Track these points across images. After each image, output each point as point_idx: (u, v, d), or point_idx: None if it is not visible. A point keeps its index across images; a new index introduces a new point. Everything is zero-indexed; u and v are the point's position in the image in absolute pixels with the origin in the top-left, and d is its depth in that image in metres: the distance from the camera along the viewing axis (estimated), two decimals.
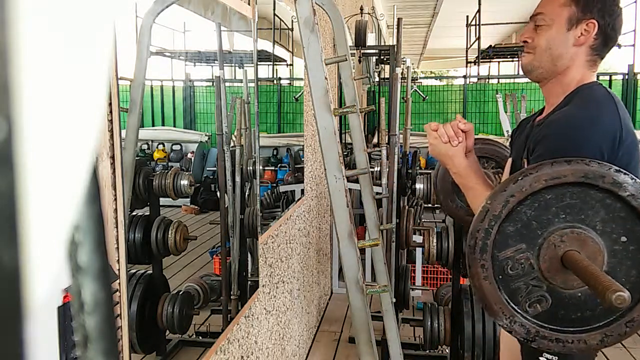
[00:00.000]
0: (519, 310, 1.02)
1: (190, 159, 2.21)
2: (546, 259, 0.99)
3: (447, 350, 2.94)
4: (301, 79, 3.32)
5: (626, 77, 8.06)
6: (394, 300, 2.83)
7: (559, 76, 1.21)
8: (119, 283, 1.03)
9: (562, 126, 1.11)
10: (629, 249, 0.99)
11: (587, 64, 1.20)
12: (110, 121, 1.00)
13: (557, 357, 1.14)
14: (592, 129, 1.09)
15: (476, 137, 1.36)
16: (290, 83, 3.90)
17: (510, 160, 1.37)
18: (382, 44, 9.32)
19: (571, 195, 0.98)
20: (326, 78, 1.28)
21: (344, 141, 4.95)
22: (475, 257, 1.01)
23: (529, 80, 1.33)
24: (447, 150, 1.27)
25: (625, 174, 0.96)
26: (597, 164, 0.97)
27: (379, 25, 8.64)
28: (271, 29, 3.21)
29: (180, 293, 1.50)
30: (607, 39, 1.19)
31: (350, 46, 4.08)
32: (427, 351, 3.04)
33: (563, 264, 0.98)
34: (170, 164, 1.99)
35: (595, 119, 1.10)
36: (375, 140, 5.48)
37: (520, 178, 0.99)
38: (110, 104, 1.00)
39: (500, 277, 1.02)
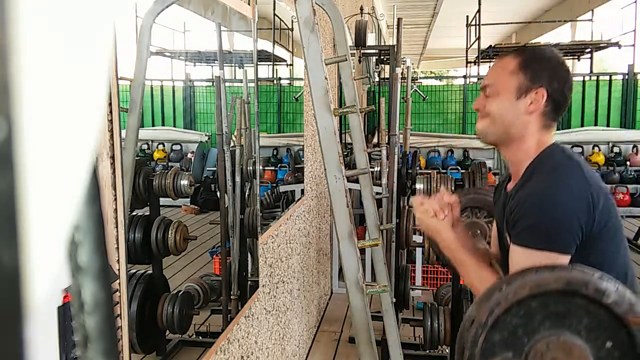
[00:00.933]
0: None
1: (190, 159, 2.21)
2: None
3: (447, 350, 2.94)
4: (301, 79, 3.32)
5: (626, 77, 8.06)
6: (394, 300, 2.83)
7: (517, 142, 1.21)
8: (119, 283, 1.03)
9: (536, 204, 1.11)
10: (614, 354, 1.00)
11: (542, 129, 1.20)
12: (110, 121, 1.00)
13: None
14: (564, 201, 1.09)
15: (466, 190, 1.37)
16: (290, 83, 3.91)
17: (495, 225, 1.37)
18: (382, 44, 9.32)
19: (555, 302, 1.00)
20: (326, 78, 1.28)
21: (344, 141, 4.95)
22: None
23: None
24: (434, 225, 1.28)
25: (607, 280, 0.98)
26: (579, 270, 1.00)
27: (379, 25, 8.64)
28: (271, 29, 3.21)
29: (180, 293, 1.50)
30: (557, 105, 1.19)
31: (350, 46, 4.08)
32: (427, 351, 3.04)
33: None
34: (170, 164, 1.99)
35: (566, 189, 1.10)
36: (375, 140, 5.47)
37: (504, 286, 1.01)
38: (110, 104, 1.00)
39: None
